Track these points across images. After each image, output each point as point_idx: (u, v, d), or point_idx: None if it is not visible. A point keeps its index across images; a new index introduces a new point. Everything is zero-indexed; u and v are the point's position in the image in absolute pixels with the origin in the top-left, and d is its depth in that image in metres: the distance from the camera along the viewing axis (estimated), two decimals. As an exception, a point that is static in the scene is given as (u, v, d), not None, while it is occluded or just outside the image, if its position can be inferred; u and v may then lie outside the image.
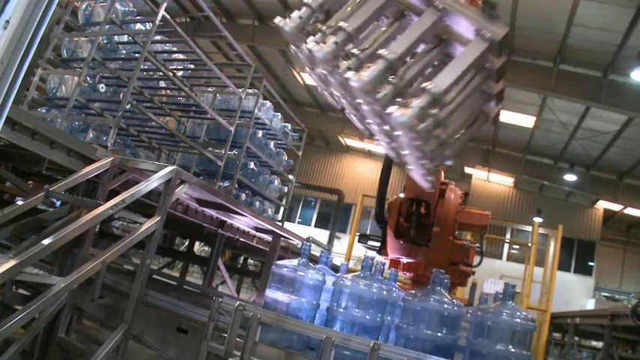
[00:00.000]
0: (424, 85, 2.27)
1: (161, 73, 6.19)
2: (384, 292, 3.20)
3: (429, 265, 4.89)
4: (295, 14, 2.54)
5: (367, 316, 3.11)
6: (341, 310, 3.14)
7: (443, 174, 4.88)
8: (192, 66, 7.28)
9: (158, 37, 6.64)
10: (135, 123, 6.46)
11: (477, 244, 5.34)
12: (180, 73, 7.20)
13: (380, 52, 2.34)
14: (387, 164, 5.03)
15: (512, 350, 2.88)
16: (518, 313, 2.95)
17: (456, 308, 3.09)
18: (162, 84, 7.09)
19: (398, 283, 3.60)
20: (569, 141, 17.93)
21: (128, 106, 5.04)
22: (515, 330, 2.91)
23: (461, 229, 4.98)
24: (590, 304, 19.96)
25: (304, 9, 2.53)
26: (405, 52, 2.34)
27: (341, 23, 2.43)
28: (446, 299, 3.11)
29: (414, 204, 4.80)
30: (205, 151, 6.40)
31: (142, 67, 5.21)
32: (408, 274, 5.38)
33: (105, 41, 5.90)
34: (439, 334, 3.03)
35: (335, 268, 3.77)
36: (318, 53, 2.42)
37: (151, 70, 6.50)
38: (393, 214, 4.93)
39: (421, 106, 2.21)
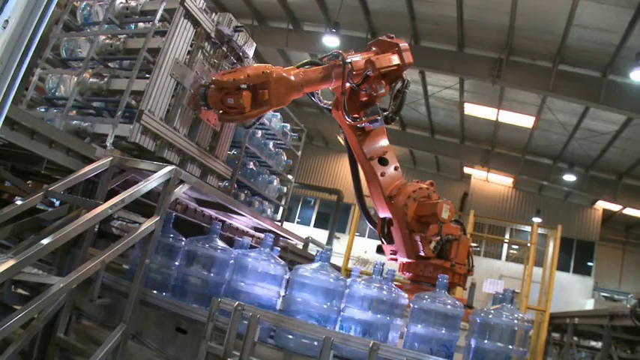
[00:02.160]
0: None
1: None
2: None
3: (420, 264, 5.20)
4: None
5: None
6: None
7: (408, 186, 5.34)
8: (191, 66, 7.25)
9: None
10: (134, 123, 6.42)
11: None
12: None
13: None
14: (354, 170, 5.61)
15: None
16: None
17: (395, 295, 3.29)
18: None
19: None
20: (569, 141, 17.94)
21: (127, 106, 5.01)
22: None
23: (419, 221, 5.13)
24: (589, 304, 19.99)
25: None
26: None
27: None
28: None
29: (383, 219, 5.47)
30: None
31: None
32: (407, 273, 5.39)
33: (104, 41, 5.88)
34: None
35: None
36: None
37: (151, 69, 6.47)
38: (377, 227, 5.61)
39: None
